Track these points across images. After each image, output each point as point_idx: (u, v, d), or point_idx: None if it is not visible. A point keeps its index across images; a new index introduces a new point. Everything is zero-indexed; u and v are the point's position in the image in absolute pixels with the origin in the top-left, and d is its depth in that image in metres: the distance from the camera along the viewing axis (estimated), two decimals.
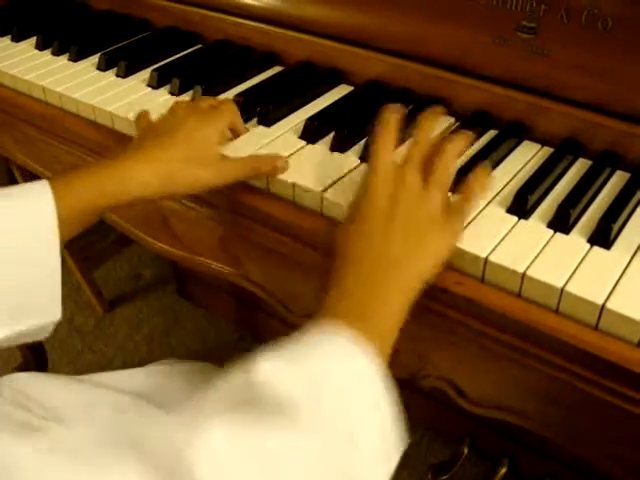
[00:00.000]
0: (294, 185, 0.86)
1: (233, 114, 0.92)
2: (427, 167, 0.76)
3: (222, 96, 1.06)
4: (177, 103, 0.92)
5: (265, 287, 0.97)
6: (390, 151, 0.77)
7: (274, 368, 0.60)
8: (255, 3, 1.15)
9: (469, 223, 0.79)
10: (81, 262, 2.10)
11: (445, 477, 1.57)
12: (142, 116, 0.93)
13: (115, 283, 2.30)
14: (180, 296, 2.22)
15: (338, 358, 0.64)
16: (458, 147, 0.79)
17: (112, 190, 0.79)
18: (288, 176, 0.87)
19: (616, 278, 0.72)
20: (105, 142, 1.03)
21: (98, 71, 1.16)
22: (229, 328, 2.12)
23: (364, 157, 0.90)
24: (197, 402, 0.60)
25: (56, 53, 1.22)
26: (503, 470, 1.55)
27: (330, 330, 0.66)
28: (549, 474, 1.50)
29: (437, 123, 0.83)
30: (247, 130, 0.96)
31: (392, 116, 0.79)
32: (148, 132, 0.87)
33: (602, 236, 0.77)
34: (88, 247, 2.18)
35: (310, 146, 0.94)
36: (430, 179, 0.75)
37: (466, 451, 1.60)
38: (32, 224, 0.74)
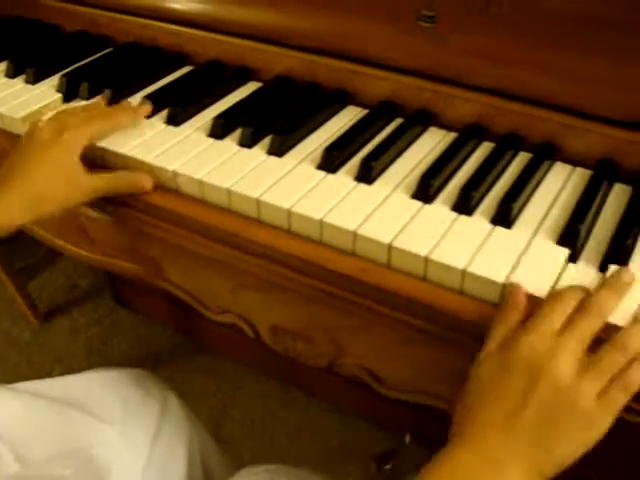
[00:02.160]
0: (201, 182, 0.86)
1: (91, 128, 0.91)
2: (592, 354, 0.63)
3: (131, 98, 1.06)
4: (38, 123, 0.90)
5: (182, 286, 0.97)
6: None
7: None
8: (163, 4, 1.15)
9: (373, 211, 0.80)
10: (14, 275, 2.07)
11: (389, 466, 1.58)
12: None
13: (51, 294, 2.28)
14: (117, 304, 2.20)
15: None
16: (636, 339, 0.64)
17: None
18: (196, 173, 0.87)
19: (517, 256, 0.74)
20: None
21: (7, 78, 1.15)
22: (167, 332, 2.11)
23: (272, 152, 0.91)
24: None
25: None
26: None
27: None
28: None
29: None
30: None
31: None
32: (12, 160, 0.87)
33: (503, 216, 0.79)
34: (21, 259, 2.15)
35: (218, 143, 0.94)
36: (590, 373, 0.61)
37: (409, 439, 1.61)
38: None
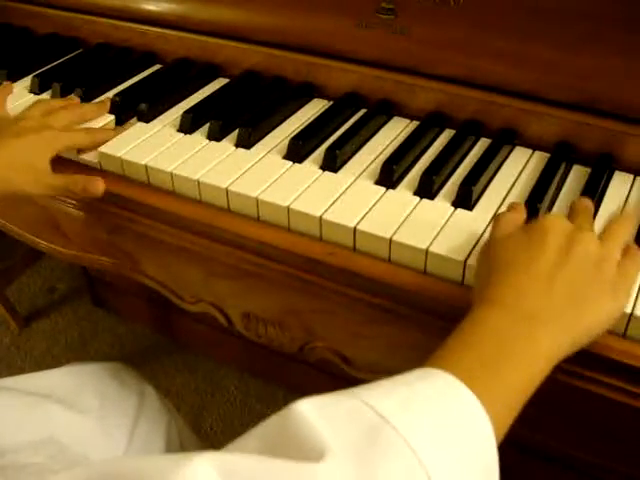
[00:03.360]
0: (172, 175, 0.89)
1: (76, 139, 0.95)
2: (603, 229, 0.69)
3: (102, 97, 1.08)
4: (33, 106, 0.97)
5: (157, 278, 0.99)
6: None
7: (315, 403, 0.49)
8: (132, 5, 1.17)
9: (338, 198, 0.83)
10: None
11: None
12: None
13: (29, 298, 2.29)
14: (95, 305, 2.22)
15: (429, 393, 0.52)
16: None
17: None
18: (166, 166, 0.89)
19: (477, 237, 0.77)
20: None
21: None
22: (146, 332, 2.13)
23: (238, 144, 0.93)
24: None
25: None
26: None
27: (434, 371, 0.54)
28: None
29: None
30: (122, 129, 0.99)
31: None
32: None
33: (464, 199, 0.82)
34: None
35: (188, 137, 0.96)
36: (609, 242, 0.66)
37: None
38: None
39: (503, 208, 0.81)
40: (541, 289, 0.61)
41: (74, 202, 0.97)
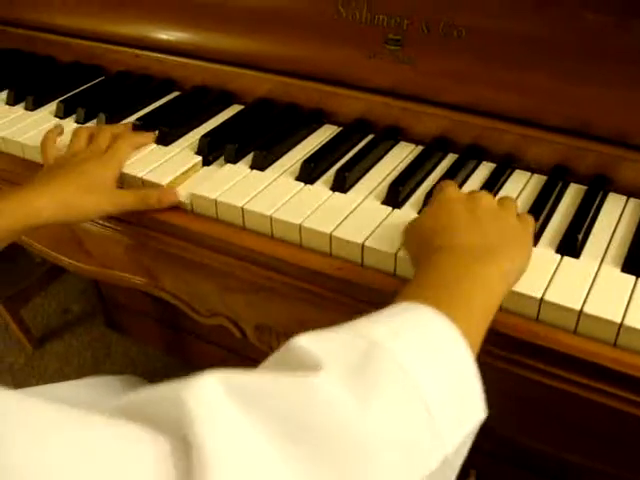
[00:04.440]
0: (190, 194, 0.94)
1: (126, 149, 1.00)
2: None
3: (124, 121, 1.14)
4: (77, 138, 1.01)
5: (174, 293, 1.04)
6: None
7: (312, 336, 0.54)
8: (152, 35, 1.24)
9: (347, 216, 0.88)
10: (7, 301, 2.13)
11: None
12: (48, 138, 1.01)
13: (43, 319, 2.34)
14: (108, 327, 2.26)
15: (410, 322, 0.59)
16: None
17: (13, 215, 0.86)
18: (184, 187, 0.95)
19: None
20: (16, 170, 1.10)
21: (8, 106, 1.23)
22: (157, 354, 2.17)
23: (253, 166, 0.99)
24: None
25: None
26: None
27: (410, 305, 0.62)
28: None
29: None
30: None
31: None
32: (51, 167, 0.97)
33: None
34: (13, 285, 2.21)
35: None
36: (501, 202, 0.79)
37: None
38: None
39: None
40: (476, 234, 0.72)
41: (97, 221, 1.02)
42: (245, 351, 1.85)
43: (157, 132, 1.08)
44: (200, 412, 0.45)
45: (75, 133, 1.02)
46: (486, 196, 0.78)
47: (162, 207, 0.96)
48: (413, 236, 0.79)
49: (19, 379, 2.13)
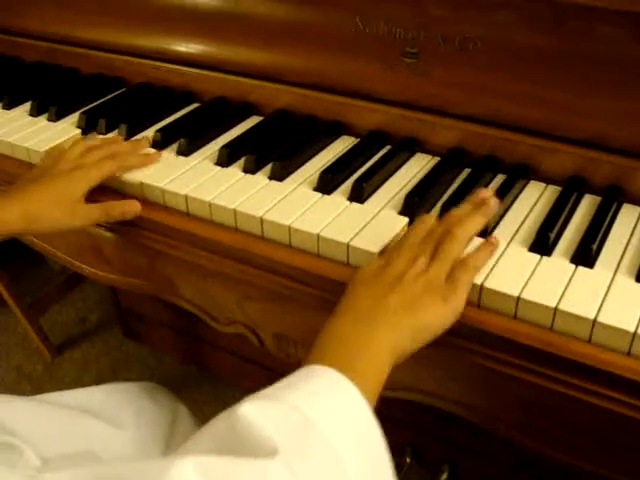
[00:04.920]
0: (210, 204, 0.96)
1: (106, 169, 1.02)
2: (437, 245, 0.81)
3: (144, 132, 1.16)
4: (72, 148, 1.04)
5: (193, 301, 1.06)
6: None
7: (255, 407, 0.60)
8: (172, 48, 1.26)
9: (364, 226, 0.89)
10: (26, 309, 2.15)
11: None
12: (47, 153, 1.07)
13: (62, 328, 2.36)
14: (125, 336, 2.28)
15: (325, 388, 0.66)
16: (469, 232, 0.83)
17: None
18: (205, 196, 0.97)
19: (491, 261, 0.83)
20: None
21: (31, 117, 1.26)
22: (175, 363, 2.19)
23: (272, 177, 1.01)
24: (181, 449, 0.63)
25: None
26: (444, 476, 1.62)
27: (318, 368, 0.68)
28: (488, 477, 1.57)
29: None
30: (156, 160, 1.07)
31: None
32: (27, 178, 1.01)
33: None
34: (32, 294, 2.24)
35: (224, 170, 1.04)
36: (437, 259, 0.79)
37: (409, 460, 1.67)
38: None
39: (518, 238, 0.87)
40: (375, 300, 0.76)
41: (116, 228, 1.04)
42: (261, 360, 1.87)
43: (161, 153, 1.10)
44: None
45: (73, 143, 1.06)
46: (421, 251, 0.80)
47: (126, 218, 0.99)
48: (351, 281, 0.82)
49: (37, 387, 2.15)
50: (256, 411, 0.60)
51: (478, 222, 0.84)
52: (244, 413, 0.59)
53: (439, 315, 0.76)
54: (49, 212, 0.95)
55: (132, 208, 0.99)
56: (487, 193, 0.86)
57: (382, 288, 0.77)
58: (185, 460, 0.53)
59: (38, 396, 1.08)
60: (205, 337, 2.01)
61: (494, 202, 0.86)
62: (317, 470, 0.58)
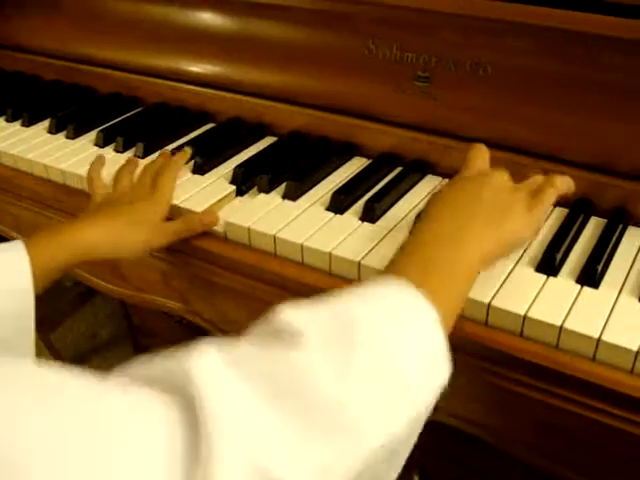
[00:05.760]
0: (225, 222, 0.98)
1: (170, 184, 1.04)
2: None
3: (161, 151, 1.18)
4: (119, 180, 1.05)
5: (207, 317, 1.08)
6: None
7: (294, 307, 0.60)
8: (188, 68, 1.29)
9: (375, 246, 0.91)
10: (37, 324, 2.16)
11: None
12: (93, 170, 1.07)
13: (72, 343, 2.38)
14: (136, 352, 2.30)
15: (386, 295, 0.65)
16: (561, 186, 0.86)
17: (70, 250, 0.91)
18: (220, 215, 0.99)
19: (501, 279, 0.85)
20: (57, 196, 1.15)
21: (49, 134, 1.29)
22: None
23: (285, 196, 1.03)
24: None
25: (9, 120, 1.35)
26: None
27: (390, 280, 0.67)
28: None
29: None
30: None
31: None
32: (101, 204, 1.02)
33: None
34: (44, 308, 2.25)
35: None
36: (525, 183, 0.85)
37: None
38: (11, 282, 0.86)
39: (525, 258, 0.89)
40: (462, 214, 0.77)
41: None
42: None
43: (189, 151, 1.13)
44: (205, 380, 0.50)
45: (117, 177, 1.06)
46: (504, 175, 0.84)
47: (205, 229, 1.00)
48: (436, 195, 0.84)
49: None
50: (295, 310, 0.59)
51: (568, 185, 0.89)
52: (283, 311, 0.59)
53: (524, 224, 0.80)
54: (135, 236, 0.96)
55: (210, 218, 1.00)
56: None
57: (468, 199, 0.79)
58: (207, 347, 0.54)
59: None
60: None
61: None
62: (359, 362, 0.56)
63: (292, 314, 0.58)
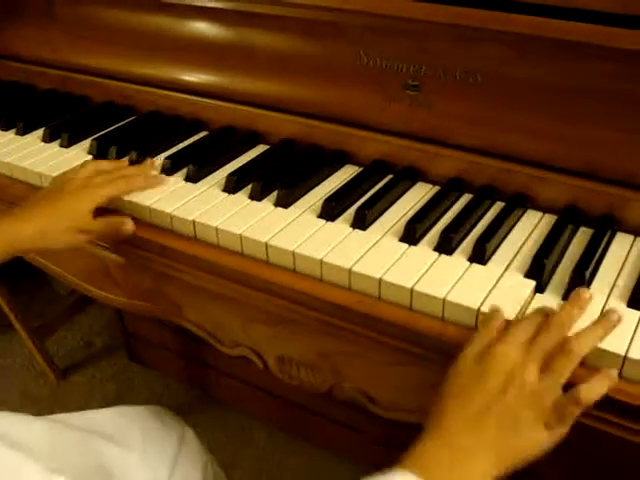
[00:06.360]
0: (217, 230, 0.99)
1: (113, 190, 1.06)
2: (548, 360, 0.73)
3: (154, 159, 1.19)
4: (83, 169, 1.09)
5: (200, 324, 1.09)
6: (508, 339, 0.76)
7: None
8: (181, 77, 1.30)
9: (366, 252, 0.92)
10: (32, 332, 2.17)
11: None
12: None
13: (68, 352, 2.38)
14: (131, 360, 2.30)
15: None
16: (586, 349, 0.75)
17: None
18: (212, 222, 1.00)
19: (490, 288, 0.85)
20: None
21: (44, 143, 1.30)
22: (181, 387, 2.21)
23: (277, 204, 1.04)
24: None
25: (4, 129, 1.36)
26: None
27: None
28: None
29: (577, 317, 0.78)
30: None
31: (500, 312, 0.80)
32: (37, 197, 1.05)
33: (479, 255, 0.91)
34: (39, 317, 2.26)
35: (231, 196, 1.07)
36: (548, 378, 0.72)
37: None
38: None
39: (514, 264, 0.90)
40: (474, 423, 0.70)
41: (124, 251, 1.07)
42: (266, 385, 1.89)
43: (166, 177, 1.14)
44: None
45: (83, 164, 1.11)
46: (530, 367, 0.72)
47: (120, 237, 1.04)
48: (449, 378, 0.76)
49: (42, 410, 2.16)
50: None
51: (599, 337, 0.76)
52: None
53: (538, 444, 0.71)
54: (57, 226, 0.99)
55: (125, 228, 1.04)
56: (587, 293, 0.80)
57: (483, 403, 0.71)
58: None
59: (46, 416, 1.11)
60: (210, 362, 2.03)
61: (617, 317, 0.77)
62: None
63: None
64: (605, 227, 0.95)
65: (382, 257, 0.92)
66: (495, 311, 0.80)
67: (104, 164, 1.12)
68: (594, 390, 0.71)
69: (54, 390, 2.24)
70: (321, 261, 0.91)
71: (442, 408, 0.73)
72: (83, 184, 1.05)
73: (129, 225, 1.03)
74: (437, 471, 0.67)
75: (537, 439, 0.70)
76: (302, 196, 1.07)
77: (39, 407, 2.16)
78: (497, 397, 0.71)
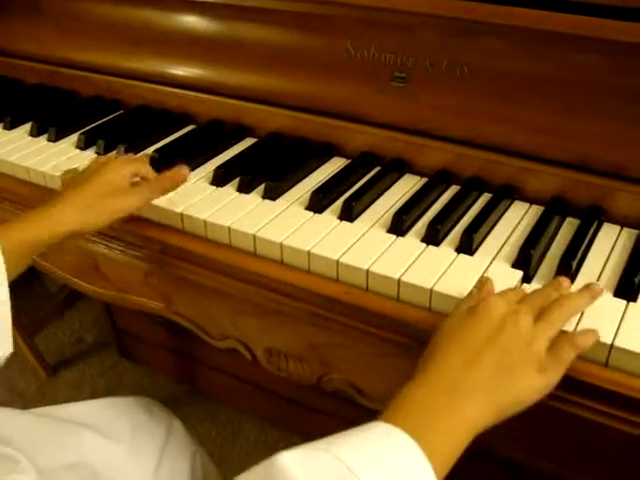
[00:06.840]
0: (205, 222, 0.99)
1: (134, 164, 1.03)
2: (542, 313, 0.74)
3: (142, 153, 1.19)
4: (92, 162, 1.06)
5: (189, 317, 1.09)
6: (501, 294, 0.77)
7: (295, 458, 0.59)
8: (169, 71, 1.30)
9: (353, 244, 0.92)
10: (23, 328, 2.17)
11: None
12: (66, 171, 1.06)
13: (58, 348, 2.38)
14: (121, 356, 2.30)
15: (376, 443, 0.63)
16: (579, 306, 0.78)
17: (42, 229, 0.91)
18: (200, 214, 1.00)
19: (475, 279, 0.86)
20: (39, 198, 1.15)
21: (31, 137, 1.30)
22: (169, 382, 2.21)
23: (265, 196, 1.04)
24: None
25: None
26: None
27: (381, 424, 0.65)
28: None
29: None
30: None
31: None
32: (68, 182, 1.01)
33: (467, 245, 0.91)
34: (29, 313, 2.26)
35: (219, 189, 1.07)
36: (542, 324, 0.73)
37: None
38: None
39: (502, 254, 0.91)
40: (466, 364, 0.69)
41: (112, 244, 1.07)
42: (255, 379, 1.89)
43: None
44: None
45: (92, 160, 1.07)
46: (521, 321, 0.72)
47: (174, 188, 1.02)
48: (440, 329, 0.77)
49: (32, 405, 2.15)
50: (295, 462, 0.58)
51: (586, 301, 0.79)
52: (283, 465, 0.58)
53: (533, 389, 0.70)
54: (101, 202, 0.96)
55: (180, 175, 1.02)
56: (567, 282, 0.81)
57: (475, 346, 0.71)
58: None
59: (33, 409, 1.11)
60: (200, 357, 2.03)
61: (600, 288, 0.80)
62: None
63: (290, 462, 0.58)
64: (592, 218, 0.96)
65: (370, 248, 0.92)
66: (487, 278, 0.82)
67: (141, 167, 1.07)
68: (589, 337, 0.74)
69: (43, 386, 2.24)
70: (309, 253, 0.92)
71: (432, 355, 0.72)
72: (102, 163, 1.02)
73: (184, 171, 1.02)
74: (422, 419, 0.66)
75: (531, 384, 0.70)
76: (290, 188, 1.07)
77: (27, 402, 2.16)
78: (490, 340, 0.71)
